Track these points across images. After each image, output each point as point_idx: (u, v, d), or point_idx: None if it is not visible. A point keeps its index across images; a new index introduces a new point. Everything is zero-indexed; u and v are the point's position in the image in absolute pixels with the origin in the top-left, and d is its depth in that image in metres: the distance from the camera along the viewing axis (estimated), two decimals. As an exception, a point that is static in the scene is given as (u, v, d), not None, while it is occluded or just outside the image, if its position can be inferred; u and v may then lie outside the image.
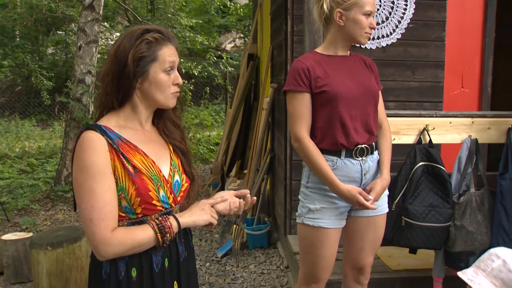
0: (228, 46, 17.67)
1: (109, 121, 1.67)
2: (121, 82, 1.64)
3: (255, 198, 1.98)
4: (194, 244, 4.92)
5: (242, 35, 17.00)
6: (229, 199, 1.88)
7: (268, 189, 5.27)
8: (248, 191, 1.94)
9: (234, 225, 4.72)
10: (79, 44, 7.27)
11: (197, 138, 10.83)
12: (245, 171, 6.18)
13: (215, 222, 1.80)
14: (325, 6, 2.39)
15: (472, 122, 3.11)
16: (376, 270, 3.39)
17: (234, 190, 2.00)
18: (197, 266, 4.34)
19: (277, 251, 4.70)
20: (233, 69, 13.48)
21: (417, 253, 3.18)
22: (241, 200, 1.91)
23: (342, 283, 2.77)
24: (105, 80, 1.66)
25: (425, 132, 3.03)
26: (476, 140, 3.06)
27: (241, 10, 15.18)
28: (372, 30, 2.44)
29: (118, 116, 1.69)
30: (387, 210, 2.61)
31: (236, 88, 7.39)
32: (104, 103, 1.70)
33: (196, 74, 12.13)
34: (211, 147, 10.45)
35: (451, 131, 3.08)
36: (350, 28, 2.38)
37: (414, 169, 2.92)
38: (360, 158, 2.43)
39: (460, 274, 1.72)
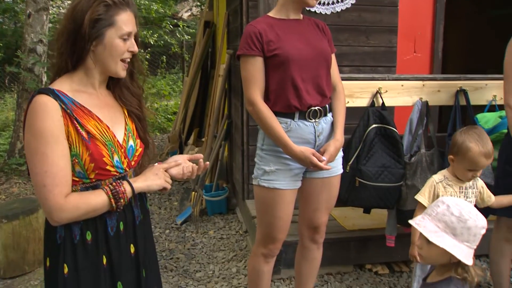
0: (185, 15, 17.35)
1: (63, 85, 1.64)
2: (76, 43, 1.61)
3: (208, 163, 2.00)
4: (154, 212, 4.94)
5: (198, 3, 16.69)
6: (182, 164, 1.89)
7: (226, 156, 5.30)
8: (201, 155, 1.95)
9: (193, 192, 4.75)
10: (28, 11, 7.00)
11: (155, 107, 10.72)
12: (203, 139, 6.18)
13: (169, 186, 1.81)
14: None
15: (423, 85, 3.19)
16: (332, 230, 3.50)
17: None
18: (156, 234, 4.37)
19: (236, 216, 4.76)
20: (189, 37, 13.31)
21: (371, 213, 3.29)
22: (194, 164, 1.92)
23: (298, 242, 2.84)
24: (60, 39, 1.63)
25: (378, 95, 3.09)
26: (426, 102, 3.15)
27: (197, -23, 14.92)
28: None
29: (71, 79, 1.67)
30: (341, 171, 2.67)
31: (192, 56, 7.31)
32: (58, 64, 1.67)
33: (152, 43, 11.92)
34: (169, 116, 10.37)
35: (403, 94, 3.16)
36: None
37: (367, 131, 2.99)
38: (314, 120, 2.47)
39: (410, 221, 1.81)
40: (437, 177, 2.64)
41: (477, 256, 3.70)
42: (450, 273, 1.76)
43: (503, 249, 3.00)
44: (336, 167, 2.61)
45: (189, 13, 17.62)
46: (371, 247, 3.52)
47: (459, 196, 2.59)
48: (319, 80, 2.47)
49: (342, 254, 3.49)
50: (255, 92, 2.41)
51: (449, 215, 1.71)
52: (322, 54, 2.48)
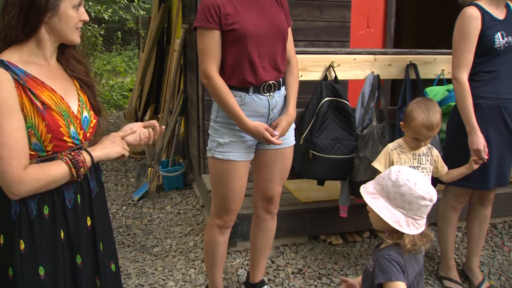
0: (141, -11, 17.01)
1: (11, 56, 1.61)
2: (30, 15, 1.59)
3: (163, 126, 2.01)
4: (110, 189, 4.91)
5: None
6: (138, 130, 1.91)
7: (182, 131, 5.28)
8: (155, 121, 1.97)
9: (150, 168, 4.73)
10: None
11: (110, 84, 10.53)
12: (160, 115, 6.13)
13: (127, 153, 1.83)
14: None
15: (375, 59, 3.25)
16: (287, 203, 3.56)
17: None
18: (113, 211, 4.35)
19: (193, 191, 4.77)
20: (145, 12, 13.05)
21: (324, 185, 3.35)
22: (150, 129, 1.94)
23: (253, 214, 2.89)
24: (11, 11, 1.60)
25: (331, 69, 3.14)
26: (378, 76, 3.22)
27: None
28: None
29: (21, 50, 1.64)
30: (293, 142, 2.71)
31: (148, 32, 7.20)
32: (7, 36, 1.63)
33: (106, 18, 11.63)
34: (125, 93, 10.21)
35: (355, 68, 3.21)
36: None
37: (320, 104, 3.04)
38: (268, 94, 2.49)
39: (362, 186, 1.85)
40: (392, 144, 2.75)
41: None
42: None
43: (449, 217, 3.13)
44: (289, 139, 2.65)
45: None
46: (325, 218, 3.60)
47: (412, 163, 2.69)
48: (275, 56, 2.48)
49: (297, 225, 3.57)
50: (211, 65, 2.40)
51: (386, 179, 1.75)
52: (280, 29, 2.48)
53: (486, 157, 2.75)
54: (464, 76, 2.77)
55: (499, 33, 2.74)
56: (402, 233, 1.73)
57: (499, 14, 2.81)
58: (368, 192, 1.79)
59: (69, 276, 1.72)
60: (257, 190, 2.77)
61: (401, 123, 2.71)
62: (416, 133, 2.61)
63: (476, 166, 2.77)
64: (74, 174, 1.64)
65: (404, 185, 1.72)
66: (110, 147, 1.78)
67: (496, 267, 3.44)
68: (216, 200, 2.65)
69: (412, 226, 1.73)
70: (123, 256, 3.52)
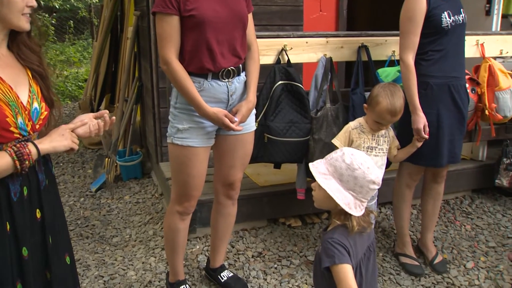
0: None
1: None
2: None
3: (114, 117, 1.98)
4: (67, 181, 4.82)
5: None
6: (88, 122, 1.88)
7: (139, 120, 5.22)
8: (106, 111, 1.94)
9: (107, 159, 4.66)
10: None
11: (64, 75, 10.29)
12: (116, 105, 6.04)
13: (76, 147, 1.79)
14: None
15: (327, 42, 3.27)
16: (245, 187, 3.57)
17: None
18: (71, 202, 4.29)
19: (151, 180, 4.74)
20: (97, 0, 12.76)
21: (281, 168, 3.38)
22: (99, 121, 1.91)
23: (213, 199, 2.89)
24: None
25: (284, 52, 3.15)
26: (330, 58, 3.25)
27: None
28: None
29: None
30: (254, 128, 2.72)
31: (101, 20, 7.05)
32: None
33: (57, 6, 11.32)
34: (79, 84, 10.01)
35: (307, 51, 3.23)
36: None
37: (274, 88, 3.05)
38: (227, 80, 2.49)
39: (310, 164, 1.86)
40: (353, 123, 2.81)
41: (383, 203, 3.94)
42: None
43: (404, 194, 3.21)
44: (249, 124, 2.66)
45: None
46: (283, 202, 3.64)
47: (371, 143, 2.75)
48: (234, 42, 2.47)
49: (256, 210, 3.59)
50: (170, 51, 2.37)
51: (340, 161, 1.77)
52: (239, 16, 2.47)
53: (427, 136, 2.84)
54: (410, 58, 2.83)
55: (445, 13, 2.81)
56: (350, 215, 1.77)
57: None
58: (320, 172, 1.80)
59: (16, 269, 1.69)
60: (218, 176, 2.77)
61: (365, 105, 2.77)
62: (379, 117, 2.67)
63: (419, 144, 2.86)
64: (18, 166, 1.61)
65: (358, 169, 1.74)
66: (58, 140, 1.74)
67: (449, 241, 3.55)
68: (176, 186, 2.63)
69: (358, 208, 1.77)
70: (82, 248, 3.48)
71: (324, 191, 1.76)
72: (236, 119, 2.45)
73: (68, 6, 12.03)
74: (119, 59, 6.23)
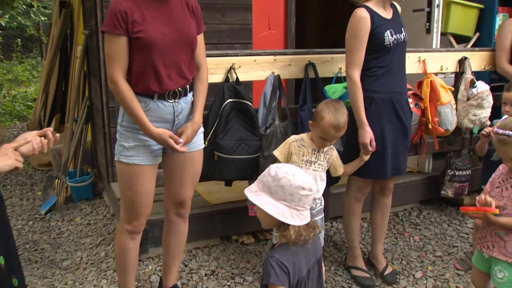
0: (42, -6, 16.33)
1: None
2: None
3: (58, 134, 1.98)
4: (15, 205, 4.70)
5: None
6: (32, 140, 1.86)
7: (90, 140, 5.15)
8: (50, 128, 1.94)
9: (57, 180, 4.57)
10: None
11: (12, 94, 10.05)
12: (66, 125, 5.93)
13: (20, 165, 1.78)
14: None
15: (275, 60, 3.33)
16: (197, 206, 3.58)
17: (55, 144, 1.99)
18: (19, 226, 4.18)
19: (103, 200, 4.67)
20: (46, 18, 12.54)
21: (233, 185, 3.40)
22: (43, 138, 1.90)
23: (165, 218, 2.88)
24: None
25: (232, 71, 3.19)
26: (278, 76, 3.30)
27: (51, -46, 14.04)
28: None
29: None
30: (202, 146, 2.75)
31: (49, 38, 6.94)
32: None
33: (3, 24, 11.05)
34: (28, 103, 9.78)
35: (256, 69, 3.28)
36: None
37: (223, 106, 3.08)
38: (173, 100, 2.51)
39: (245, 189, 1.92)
40: (294, 136, 2.89)
41: (334, 217, 4.01)
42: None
43: (353, 208, 3.28)
44: (197, 143, 2.68)
45: (47, -8, 16.60)
46: (235, 219, 3.65)
47: (310, 157, 2.82)
48: (182, 65, 2.50)
49: (208, 228, 3.59)
50: (117, 71, 2.39)
51: (267, 175, 1.84)
52: (187, 39, 2.50)
53: (373, 149, 2.93)
54: (356, 73, 2.93)
55: (388, 31, 2.92)
56: (288, 225, 1.80)
57: (387, 14, 2.99)
58: (252, 191, 1.86)
59: None
60: (168, 194, 2.77)
61: (310, 122, 2.84)
62: (324, 133, 2.74)
63: (366, 158, 2.95)
64: None
65: (283, 178, 1.80)
66: (1, 160, 1.72)
67: (398, 253, 3.64)
68: (124, 205, 2.63)
69: (296, 217, 1.81)
70: (30, 273, 3.39)
71: (261, 209, 1.80)
72: (181, 140, 2.47)
73: (15, 24, 11.76)
74: (69, 78, 6.14)
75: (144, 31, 2.36)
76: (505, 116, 3.18)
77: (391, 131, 3.04)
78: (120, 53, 2.38)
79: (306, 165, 2.81)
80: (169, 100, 2.50)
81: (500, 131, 2.35)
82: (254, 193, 1.84)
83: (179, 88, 2.51)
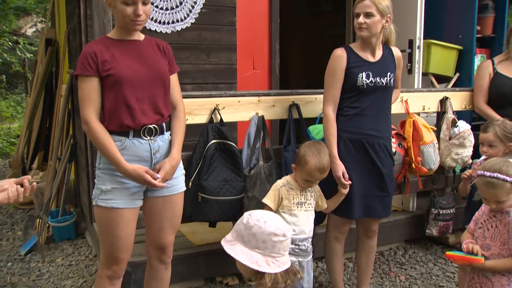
0: (29, 31, 16.39)
1: None
2: None
3: (35, 183, 1.95)
4: (-6, 245, 4.59)
5: (44, 19, 15.91)
6: (8, 188, 1.84)
7: (73, 179, 5.10)
8: (28, 177, 1.91)
9: (38, 219, 4.49)
10: None
11: (-4, 131, 9.99)
12: (49, 163, 5.88)
13: None
14: None
15: (259, 101, 3.36)
16: (181, 247, 3.53)
17: (37, 183, 1.97)
18: (-3, 268, 4.07)
19: (86, 240, 4.59)
20: (32, 55, 12.59)
21: (216, 226, 3.37)
22: (19, 187, 1.87)
23: (146, 262, 2.83)
24: None
25: (216, 112, 3.20)
26: (262, 117, 3.33)
27: (39, -9, 14.18)
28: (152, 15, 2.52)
29: None
30: (183, 189, 2.72)
31: (35, 75, 6.95)
32: None
33: (-11, 61, 11.08)
34: (12, 140, 9.72)
35: (240, 110, 3.30)
36: (118, 15, 2.45)
37: (207, 147, 3.08)
38: (149, 138, 2.51)
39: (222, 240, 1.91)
40: (280, 181, 2.88)
41: (319, 257, 3.97)
42: None
43: (334, 247, 3.26)
44: (177, 185, 2.66)
45: (34, 29, 16.67)
46: (220, 260, 3.59)
47: (300, 199, 2.84)
48: (156, 99, 2.52)
49: (192, 269, 3.53)
50: (90, 111, 2.41)
51: (240, 224, 1.84)
52: (158, 74, 2.53)
53: (348, 182, 2.95)
54: (330, 109, 2.99)
55: (364, 73, 2.97)
56: (263, 273, 1.78)
57: (370, 57, 3.03)
58: (227, 241, 1.86)
59: None
60: (149, 239, 2.73)
61: (293, 165, 2.86)
62: (309, 176, 2.77)
63: (345, 191, 2.98)
64: None
65: (254, 226, 1.79)
66: None
67: (384, 294, 3.61)
68: (103, 249, 2.58)
69: (272, 264, 1.79)
70: (8, 318, 3.30)
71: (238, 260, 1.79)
72: (158, 175, 2.45)
73: (1, 60, 11.79)
74: (54, 116, 6.13)
75: (114, 68, 2.41)
76: (483, 157, 3.20)
77: (360, 172, 3.04)
78: (92, 94, 2.42)
79: (297, 207, 2.82)
80: (145, 138, 2.50)
81: (487, 173, 2.27)
82: (229, 243, 1.84)
83: (155, 125, 2.52)
